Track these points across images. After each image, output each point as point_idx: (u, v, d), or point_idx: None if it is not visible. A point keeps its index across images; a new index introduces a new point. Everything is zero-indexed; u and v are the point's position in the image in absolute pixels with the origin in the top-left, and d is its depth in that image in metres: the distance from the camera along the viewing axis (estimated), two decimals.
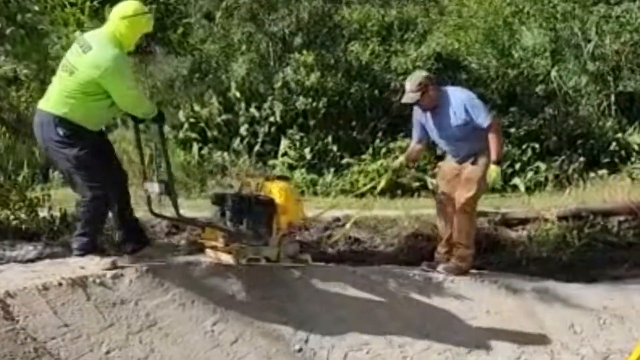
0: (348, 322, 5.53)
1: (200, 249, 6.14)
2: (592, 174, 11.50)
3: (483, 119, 6.25)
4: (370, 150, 11.60)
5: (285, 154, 11.56)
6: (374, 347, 5.40)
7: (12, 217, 7.25)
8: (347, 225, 7.16)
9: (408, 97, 6.42)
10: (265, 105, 12.00)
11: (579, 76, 13.33)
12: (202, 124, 12.01)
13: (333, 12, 13.83)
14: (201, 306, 5.18)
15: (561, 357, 5.64)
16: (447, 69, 13.00)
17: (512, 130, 11.89)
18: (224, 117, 11.98)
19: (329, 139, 11.82)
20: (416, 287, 6.14)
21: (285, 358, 5.09)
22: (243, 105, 12.06)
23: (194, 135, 11.85)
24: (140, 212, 5.87)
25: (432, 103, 6.39)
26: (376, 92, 12.68)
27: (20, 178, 9.32)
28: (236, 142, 11.66)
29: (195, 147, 11.64)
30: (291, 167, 11.39)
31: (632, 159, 12.11)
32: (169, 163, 5.50)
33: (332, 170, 11.41)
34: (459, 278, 6.35)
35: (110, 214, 5.47)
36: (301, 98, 12.02)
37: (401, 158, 6.92)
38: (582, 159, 11.76)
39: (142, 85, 11.80)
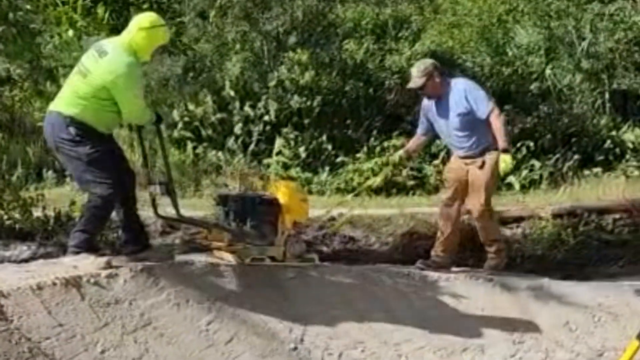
0: (343, 320, 5.53)
1: (202, 249, 6.17)
2: (586, 172, 11.54)
3: (483, 110, 6.27)
4: (365, 148, 11.60)
5: (280, 152, 11.55)
6: (369, 346, 5.40)
7: (5, 217, 7.25)
8: (344, 218, 7.20)
9: (413, 82, 6.50)
10: (260, 104, 11.98)
11: (573, 74, 13.34)
12: (197, 123, 11.99)
13: (327, 10, 13.79)
14: (196, 305, 5.16)
15: (556, 355, 5.64)
16: (441, 67, 12.98)
17: None
18: (218, 116, 11.97)
19: (324, 137, 11.81)
20: (411, 285, 6.13)
21: (280, 357, 5.08)
22: (237, 104, 12.04)
23: (188, 134, 11.83)
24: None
25: (436, 91, 6.45)
26: (371, 90, 12.68)
27: (14, 178, 9.31)
28: (231, 141, 11.65)
29: (190, 146, 11.63)
30: (286, 166, 11.39)
31: (627, 157, 12.14)
32: (168, 164, 5.57)
33: (327, 168, 11.41)
34: (454, 276, 6.36)
35: (113, 215, 5.53)
36: (296, 97, 12.01)
37: (400, 152, 6.98)
38: (576, 156, 11.78)
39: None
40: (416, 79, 6.45)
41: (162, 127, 5.91)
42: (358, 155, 11.50)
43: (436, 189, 10.80)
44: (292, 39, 12.95)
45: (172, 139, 11.72)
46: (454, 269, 6.60)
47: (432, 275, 6.34)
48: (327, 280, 5.92)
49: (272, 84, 12.19)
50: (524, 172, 11.45)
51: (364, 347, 5.38)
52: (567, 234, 8.22)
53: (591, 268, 7.76)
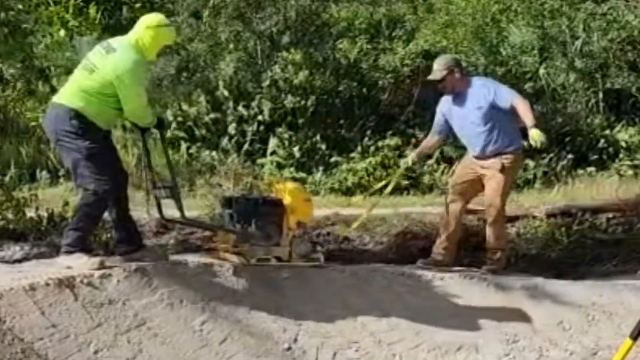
0: (337, 320, 5.53)
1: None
2: (580, 171, 11.54)
3: (506, 98, 6.39)
4: (359, 148, 11.58)
5: (274, 152, 11.53)
6: (363, 346, 5.39)
7: None
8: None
9: (433, 74, 6.59)
10: (254, 104, 11.96)
11: (567, 73, 13.34)
12: (190, 123, 11.97)
13: (321, 10, 13.77)
14: (189, 306, 5.16)
15: (550, 354, 5.65)
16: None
17: None
18: (212, 115, 11.94)
19: (318, 137, 11.79)
20: (405, 285, 6.13)
21: (274, 357, 5.08)
22: (231, 104, 12.01)
23: (181, 134, 11.80)
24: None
25: (454, 87, 6.55)
26: (364, 90, 12.67)
27: (7, 178, 9.27)
28: (224, 141, 11.62)
29: (184, 146, 11.60)
30: (280, 166, 11.37)
31: (620, 156, 12.13)
32: (172, 169, 5.63)
33: (321, 168, 11.39)
34: (449, 275, 6.36)
35: (106, 215, 5.58)
36: (289, 96, 11.99)
37: (413, 155, 7.01)
38: (570, 156, 11.77)
39: None
40: (437, 71, 6.55)
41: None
42: (352, 155, 11.49)
43: (430, 189, 10.81)
44: (285, 39, 12.93)
45: (165, 139, 11.69)
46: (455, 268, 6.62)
47: (427, 274, 6.34)
48: (321, 280, 5.92)
49: (265, 83, 12.16)
50: (518, 172, 11.44)
51: (358, 347, 5.38)
52: (561, 233, 8.22)
53: (585, 267, 7.76)
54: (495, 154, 6.42)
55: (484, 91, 6.43)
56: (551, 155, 11.69)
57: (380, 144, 11.50)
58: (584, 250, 8.10)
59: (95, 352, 4.55)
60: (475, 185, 6.61)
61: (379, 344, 5.44)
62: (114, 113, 5.41)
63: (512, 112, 6.40)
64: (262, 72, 12.49)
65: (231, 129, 11.74)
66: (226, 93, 12.14)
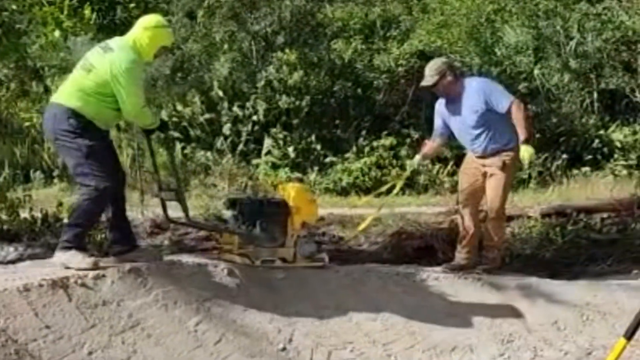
0: (332, 320, 5.52)
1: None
2: (575, 171, 11.58)
3: (503, 104, 6.27)
4: (354, 148, 11.60)
5: (268, 152, 11.55)
6: (358, 346, 5.38)
7: None
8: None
9: (425, 80, 6.50)
10: (248, 104, 11.97)
11: (562, 74, 13.38)
12: (185, 123, 11.98)
13: (315, 10, 13.80)
14: (184, 306, 5.14)
15: (544, 354, 5.64)
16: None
17: None
18: (206, 116, 11.96)
19: (313, 137, 11.81)
20: (400, 285, 6.13)
21: (269, 357, 5.06)
22: (226, 104, 12.03)
23: (176, 134, 11.80)
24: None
25: (449, 90, 6.44)
26: (359, 90, 12.69)
27: (1, 179, 9.26)
28: (219, 141, 11.64)
29: (178, 146, 11.60)
30: (275, 166, 11.38)
31: (615, 156, 12.18)
32: (177, 171, 5.63)
33: (315, 168, 11.40)
34: (443, 275, 6.36)
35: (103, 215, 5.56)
36: (284, 97, 12.01)
37: (417, 157, 6.97)
38: (565, 156, 11.82)
39: None
40: (428, 77, 6.45)
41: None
42: (347, 155, 11.50)
43: (425, 189, 10.82)
44: (280, 39, 12.95)
45: (160, 139, 11.67)
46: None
47: (421, 275, 6.34)
48: (316, 280, 5.91)
49: (260, 84, 12.18)
50: (517, 168, 11.46)
51: (353, 347, 5.37)
52: (555, 233, 8.23)
53: (579, 267, 7.76)
54: (496, 152, 6.41)
55: (479, 96, 6.34)
56: (546, 155, 11.72)
57: (375, 144, 11.53)
58: (578, 250, 8.10)
59: (90, 353, 4.53)
60: (483, 184, 6.59)
61: (374, 344, 5.43)
62: (113, 114, 5.40)
63: (509, 112, 6.36)
64: (257, 73, 12.51)
65: (226, 129, 11.76)
66: (221, 93, 12.16)
